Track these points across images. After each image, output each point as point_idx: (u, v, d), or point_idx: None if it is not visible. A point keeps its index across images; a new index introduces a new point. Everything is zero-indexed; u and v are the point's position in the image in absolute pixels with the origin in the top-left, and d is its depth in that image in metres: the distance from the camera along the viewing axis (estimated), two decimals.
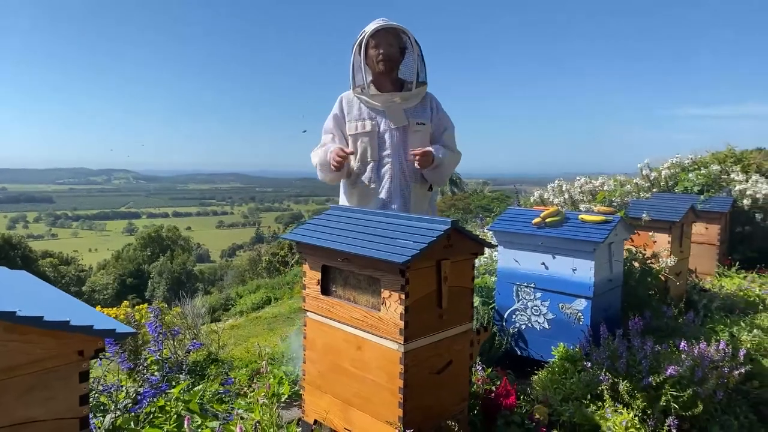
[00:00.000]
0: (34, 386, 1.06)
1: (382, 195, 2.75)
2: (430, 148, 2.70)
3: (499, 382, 2.49)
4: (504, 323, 3.24)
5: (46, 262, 39.42)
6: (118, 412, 2.01)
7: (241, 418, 2.14)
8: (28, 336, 1.04)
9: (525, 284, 3.14)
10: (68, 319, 1.00)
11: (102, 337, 1.05)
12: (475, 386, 2.41)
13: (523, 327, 3.17)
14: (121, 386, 2.09)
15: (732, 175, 5.97)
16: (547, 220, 3.07)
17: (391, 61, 2.76)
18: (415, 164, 2.68)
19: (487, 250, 4.02)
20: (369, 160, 2.77)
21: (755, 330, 3.24)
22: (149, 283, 37.47)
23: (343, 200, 2.91)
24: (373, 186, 2.76)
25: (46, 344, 1.06)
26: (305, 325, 2.28)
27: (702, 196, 5.33)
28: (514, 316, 3.20)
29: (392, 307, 1.90)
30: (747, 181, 5.78)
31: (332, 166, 2.68)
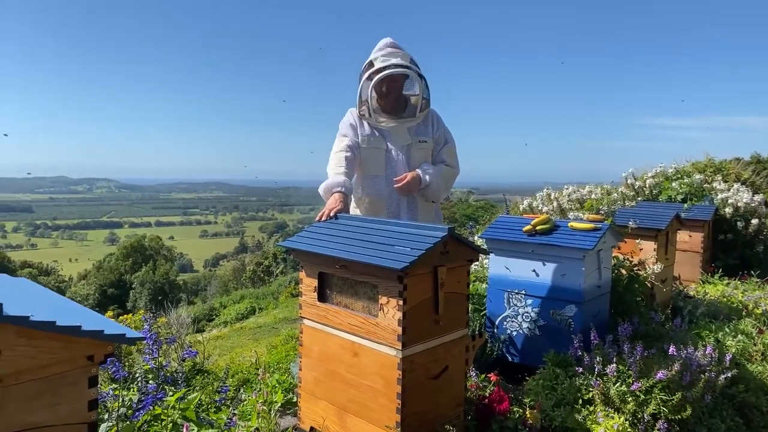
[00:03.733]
0: (41, 391, 1.06)
1: (392, 207, 2.91)
2: (414, 173, 2.87)
3: (492, 388, 2.51)
4: (495, 330, 3.26)
5: (25, 273, 38.69)
6: (113, 422, 1.99)
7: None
8: (36, 341, 1.04)
9: (516, 291, 3.18)
10: (79, 324, 1.00)
11: (112, 342, 1.05)
12: (469, 392, 2.43)
13: (514, 334, 3.20)
14: (117, 395, 2.07)
15: (714, 184, 6.10)
16: (538, 227, 3.11)
17: (397, 89, 2.93)
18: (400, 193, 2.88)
19: (479, 259, 4.08)
20: (377, 174, 2.93)
21: (740, 335, 3.31)
22: (131, 294, 36.92)
23: (352, 210, 2.98)
24: (382, 198, 2.92)
25: (55, 349, 1.06)
26: (301, 332, 2.29)
27: (685, 205, 5.43)
28: (505, 323, 3.24)
29: (390, 313, 1.92)
30: (728, 189, 5.91)
31: (323, 213, 2.58)
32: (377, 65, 2.85)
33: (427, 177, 2.90)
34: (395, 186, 2.88)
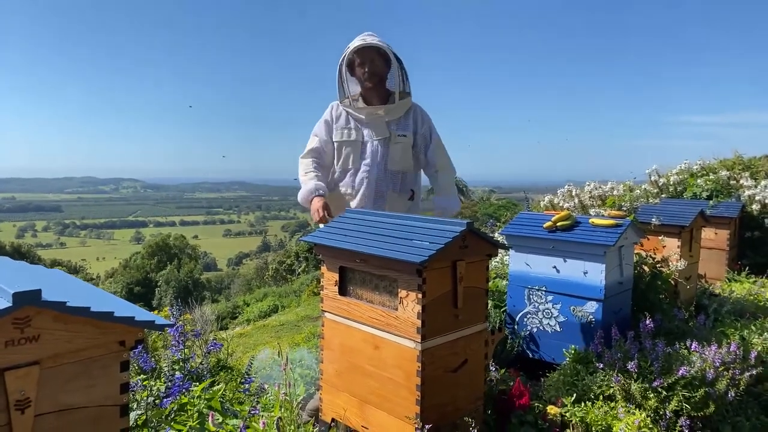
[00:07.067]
0: (77, 374, 1.11)
1: (355, 202, 2.88)
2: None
3: (512, 383, 2.52)
4: (516, 326, 3.27)
5: None
6: (141, 410, 2.06)
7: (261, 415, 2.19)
8: (72, 326, 1.10)
9: (536, 287, 3.18)
10: (112, 311, 1.06)
11: (142, 327, 1.11)
12: (488, 386, 2.45)
13: (535, 330, 3.21)
14: (144, 385, 2.14)
15: (741, 181, 5.99)
16: (559, 224, 3.11)
17: (377, 76, 2.86)
18: None
19: (498, 254, 4.08)
20: (349, 167, 2.91)
21: (766, 333, 3.26)
22: (156, 292, 37.56)
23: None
24: (349, 192, 2.91)
25: (90, 334, 1.11)
26: (323, 325, 2.33)
27: (711, 202, 5.36)
28: (525, 319, 3.24)
29: (409, 306, 1.95)
30: (756, 186, 5.80)
31: (314, 218, 2.74)
32: (353, 46, 2.81)
33: (438, 210, 2.91)
34: None
